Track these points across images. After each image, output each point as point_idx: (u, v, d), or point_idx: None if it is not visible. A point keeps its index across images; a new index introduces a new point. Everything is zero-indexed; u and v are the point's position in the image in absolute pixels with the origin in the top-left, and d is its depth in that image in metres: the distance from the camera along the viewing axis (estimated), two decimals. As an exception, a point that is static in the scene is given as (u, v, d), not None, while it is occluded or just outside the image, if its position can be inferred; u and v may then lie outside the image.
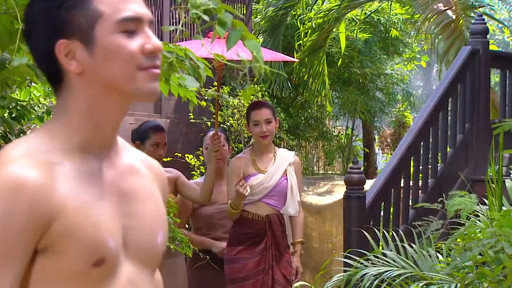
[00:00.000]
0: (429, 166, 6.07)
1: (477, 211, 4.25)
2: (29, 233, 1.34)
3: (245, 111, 5.15)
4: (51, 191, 1.36)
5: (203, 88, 7.18)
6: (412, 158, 5.85)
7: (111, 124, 1.46)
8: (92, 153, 1.44)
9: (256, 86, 8.27)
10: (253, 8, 10.38)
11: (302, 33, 9.98)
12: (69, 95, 1.45)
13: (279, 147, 5.18)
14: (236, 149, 7.81)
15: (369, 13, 11.45)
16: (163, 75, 1.61)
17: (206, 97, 7.87)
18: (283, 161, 4.87)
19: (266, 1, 10.84)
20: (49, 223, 1.35)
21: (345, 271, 4.35)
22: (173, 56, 1.54)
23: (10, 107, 3.55)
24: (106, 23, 1.41)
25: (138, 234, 1.47)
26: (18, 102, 3.62)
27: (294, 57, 9.33)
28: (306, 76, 9.86)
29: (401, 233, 4.56)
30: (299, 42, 9.88)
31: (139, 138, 4.79)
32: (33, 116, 3.70)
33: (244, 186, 4.65)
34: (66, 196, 1.37)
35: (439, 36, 8.27)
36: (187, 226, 5.34)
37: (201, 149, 7.84)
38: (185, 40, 7.05)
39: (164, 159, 5.01)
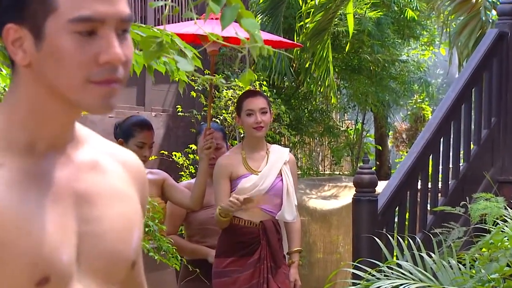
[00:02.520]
0: (450, 166, 6.09)
1: (505, 216, 4.27)
2: None
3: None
4: None
5: (193, 77, 7.20)
6: (430, 156, 5.86)
7: (59, 125, 1.42)
8: (40, 151, 1.40)
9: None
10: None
11: (304, 13, 9.98)
12: (16, 84, 1.41)
13: (277, 144, 5.18)
14: (231, 146, 7.82)
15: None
16: (152, 57, 1.61)
17: (196, 87, 7.89)
18: (277, 159, 4.87)
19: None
20: None
21: (354, 284, 4.36)
22: (162, 36, 1.54)
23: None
24: (59, 19, 1.34)
25: (98, 242, 1.42)
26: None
27: (294, 41, 9.33)
28: (308, 63, 9.85)
29: (418, 241, 4.58)
30: (300, 24, 9.88)
31: (122, 135, 4.79)
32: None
33: (236, 203, 4.63)
34: (2, 205, 1.32)
35: (453, 15, 8.28)
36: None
37: (190, 146, 7.85)
38: (175, 19, 7.05)
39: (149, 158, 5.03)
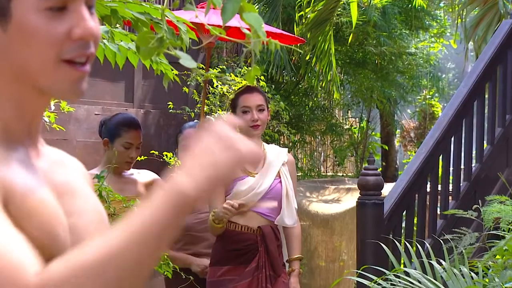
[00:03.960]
0: (462, 167, 6.11)
1: (520, 221, 4.29)
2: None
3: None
4: None
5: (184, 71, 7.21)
6: (440, 156, 5.88)
7: (29, 115, 1.43)
8: (15, 142, 1.41)
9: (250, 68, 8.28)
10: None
11: (305, 2, 9.98)
12: None
13: (276, 143, 5.19)
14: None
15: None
16: (150, 54, 1.62)
17: (188, 82, 7.91)
18: (275, 160, 4.88)
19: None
20: (4, 206, 1.31)
21: (359, 293, 4.38)
22: (162, 31, 1.55)
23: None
24: None
25: (81, 236, 1.45)
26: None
27: (294, 33, 9.35)
28: (308, 56, 9.86)
29: (428, 247, 4.59)
30: (300, 13, 9.89)
31: (108, 134, 4.79)
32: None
33: (232, 211, 4.65)
34: (9, 179, 1.33)
35: (468, 7, 8.30)
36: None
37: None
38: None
39: (138, 158, 5.04)
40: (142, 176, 4.89)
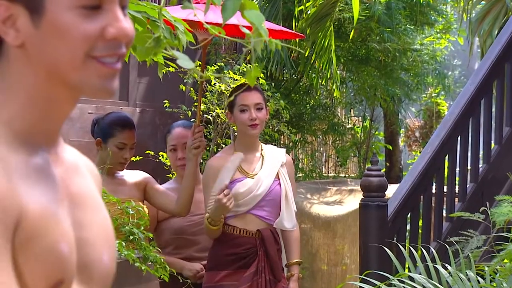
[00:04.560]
0: (468, 167, 6.10)
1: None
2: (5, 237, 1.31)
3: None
4: (12, 189, 1.33)
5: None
6: (446, 157, 5.87)
7: (57, 115, 1.46)
8: (37, 145, 1.43)
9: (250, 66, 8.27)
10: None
11: (305, -4, 9.97)
12: (8, 69, 1.44)
13: (276, 143, 5.17)
14: (223, 145, 7.82)
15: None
16: (147, 54, 1.62)
17: (185, 80, 7.89)
18: (273, 161, 4.87)
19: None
20: (15, 228, 1.32)
21: (362, 299, 4.36)
22: (159, 30, 1.55)
23: None
24: None
25: (89, 250, 1.47)
26: None
27: (293, 28, 9.33)
28: (307, 52, 9.84)
29: (433, 251, 4.59)
30: (300, 8, 9.87)
31: (101, 133, 4.78)
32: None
33: (229, 197, 4.63)
34: (25, 195, 1.35)
35: (474, 0, 8.30)
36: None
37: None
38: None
39: (133, 158, 5.02)
40: (134, 176, 4.88)
